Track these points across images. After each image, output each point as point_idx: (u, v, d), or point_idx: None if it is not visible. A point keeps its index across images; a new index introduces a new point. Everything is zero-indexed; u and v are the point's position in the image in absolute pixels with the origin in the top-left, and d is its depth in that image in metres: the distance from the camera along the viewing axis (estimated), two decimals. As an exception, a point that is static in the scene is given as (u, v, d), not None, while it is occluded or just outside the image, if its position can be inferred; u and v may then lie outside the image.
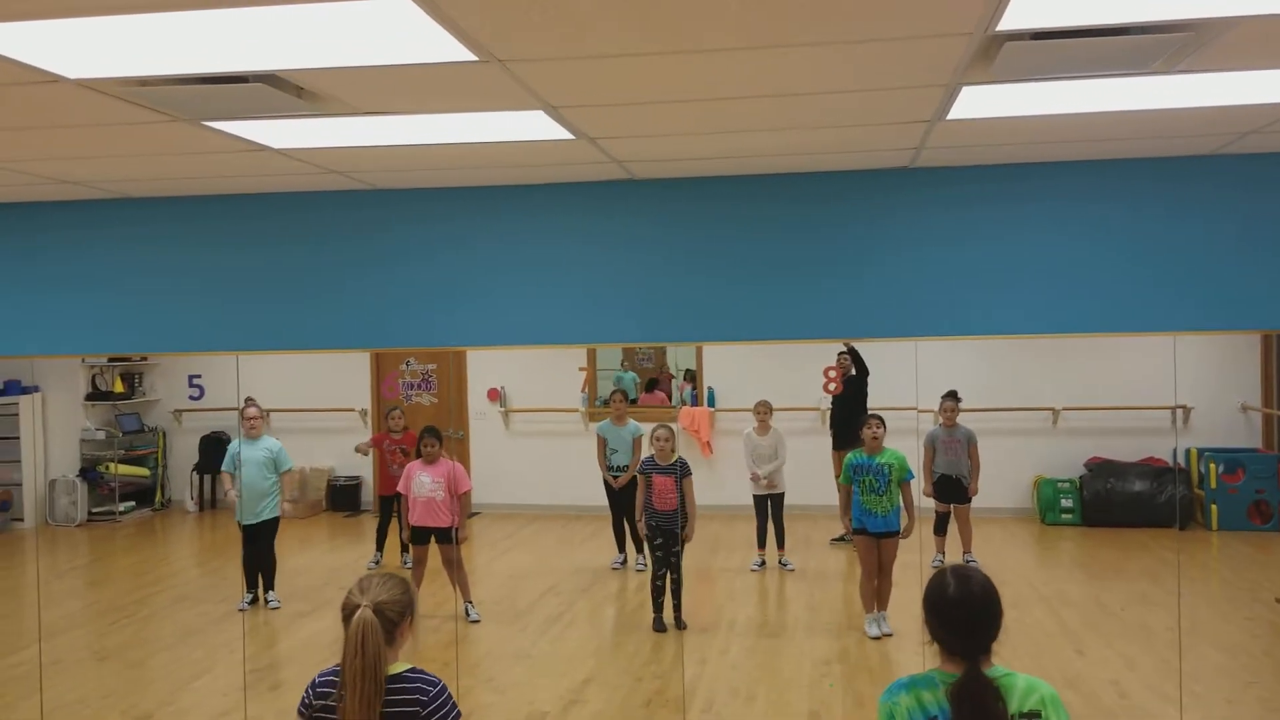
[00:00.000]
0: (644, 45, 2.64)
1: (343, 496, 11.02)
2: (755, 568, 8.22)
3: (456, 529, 6.91)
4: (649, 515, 6.86)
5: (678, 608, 6.80)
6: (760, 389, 10.19)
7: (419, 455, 7.16)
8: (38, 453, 10.61)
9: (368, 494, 11.10)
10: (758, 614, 7.05)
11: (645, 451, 7.53)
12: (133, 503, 11.03)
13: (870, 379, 8.90)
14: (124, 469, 10.93)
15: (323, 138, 3.66)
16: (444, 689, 2.65)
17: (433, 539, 7.00)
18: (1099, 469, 9.82)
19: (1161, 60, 2.80)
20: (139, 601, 7.86)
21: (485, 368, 11.15)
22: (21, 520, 10.33)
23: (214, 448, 11.11)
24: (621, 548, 8.52)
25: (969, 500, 8.03)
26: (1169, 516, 9.31)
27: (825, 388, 10.07)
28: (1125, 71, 2.93)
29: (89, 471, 10.88)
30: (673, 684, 5.79)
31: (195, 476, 11.21)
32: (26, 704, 5.67)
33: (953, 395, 8.06)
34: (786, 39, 2.60)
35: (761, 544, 8.32)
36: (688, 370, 10.99)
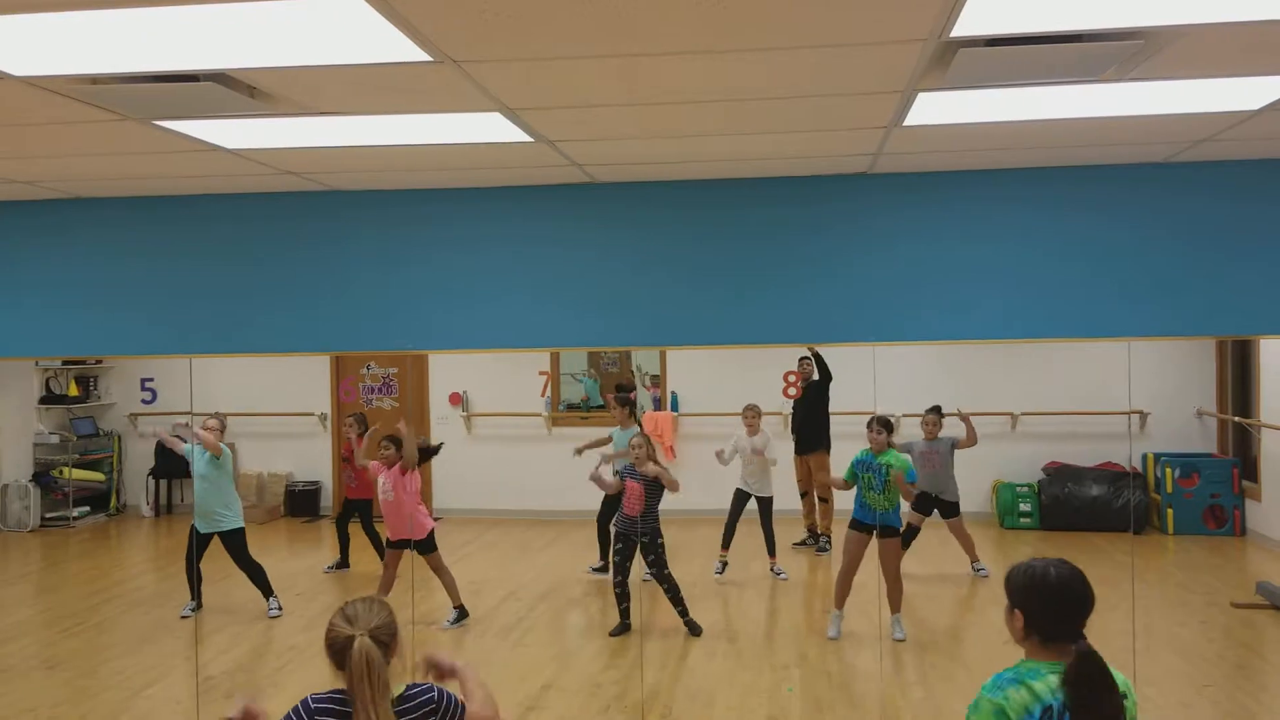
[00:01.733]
0: (600, 48, 2.63)
1: (301, 502, 10.91)
2: (718, 573, 8.18)
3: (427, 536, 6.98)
4: (617, 518, 6.88)
5: (684, 614, 6.80)
6: (723, 393, 10.21)
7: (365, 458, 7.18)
8: (-11, 457, 10.42)
9: (326, 499, 11.01)
10: (719, 619, 7.04)
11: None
12: (87, 508, 10.86)
13: (832, 383, 8.94)
14: (78, 473, 10.75)
15: (277, 138, 3.62)
16: (441, 690, 2.73)
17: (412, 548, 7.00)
18: (1057, 473, 9.91)
19: (1114, 68, 2.82)
20: (92, 608, 7.73)
21: (447, 371, 11.08)
22: (-28, 526, 10.14)
23: (170, 452, 10.95)
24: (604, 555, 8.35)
25: (958, 514, 8.04)
26: (1125, 521, 9.41)
27: (785, 392, 10.10)
28: (1078, 79, 2.96)
29: (42, 476, 10.70)
30: (632, 689, 5.78)
31: (151, 481, 11.06)
32: (-27, 713, 5.56)
33: (936, 410, 8.06)
34: (742, 44, 2.60)
35: (726, 544, 8.24)
36: (652, 376, 10.98)
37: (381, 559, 7.44)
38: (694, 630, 6.76)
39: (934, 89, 3.06)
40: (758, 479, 8.23)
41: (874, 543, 6.59)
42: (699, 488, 8.44)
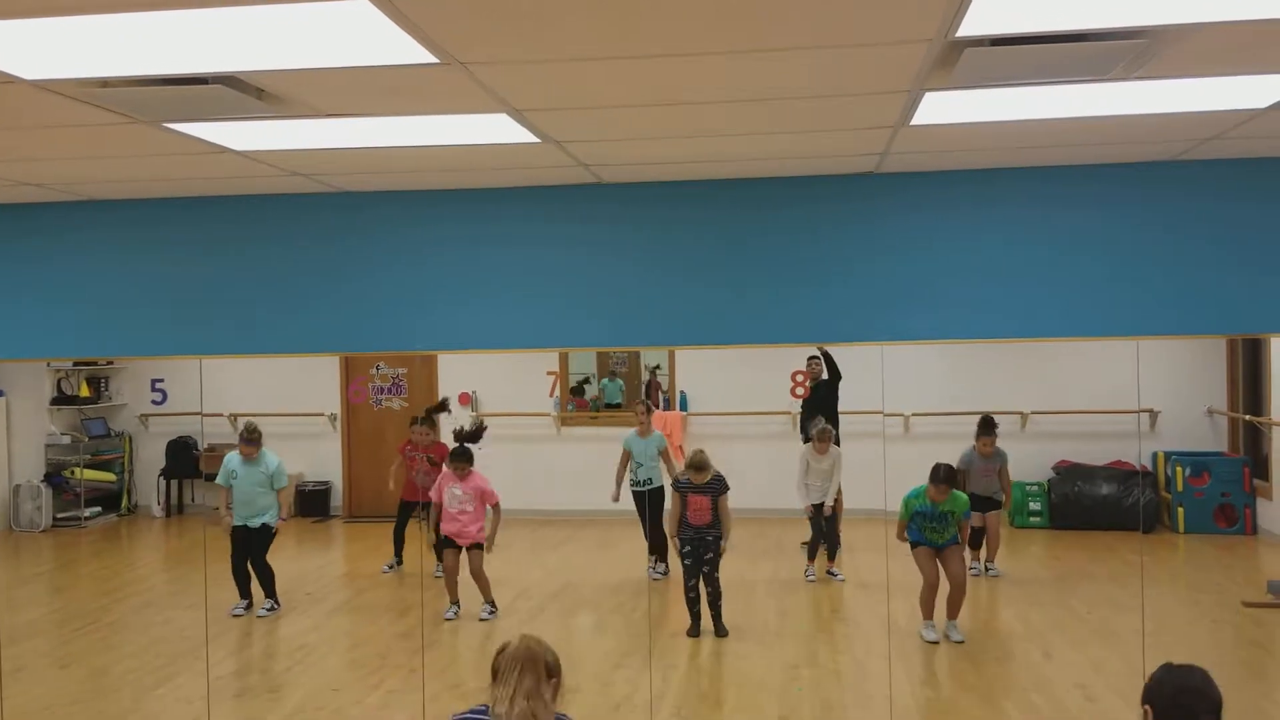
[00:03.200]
0: (606, 49, 2.63)
1: (311, 502, 10.93)
2: (810, 578, 8.13)
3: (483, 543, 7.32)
4: (683, 529, 6.95)
5: (717, 616, 6.87)
6: (732, 393, 10.22)
7: (449, 464, 7.43)
8: (1, 458, 10.48)
9: (337, 499, 11.03)
10: (728, 620, 7.05)
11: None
12: (99, 508, 10.91)
13: (841, 383, 8.94)
14: (90, 474, 10.81)
15: (285, 140, 3.63)
16: None
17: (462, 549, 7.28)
18: (1067, 472, 9.89)
19: (1120, 67, 2.82)
20: (103, 608, 7.77)
21: (456, 372, 11.10)
22: (-15, 526, 10.20)
23: (181, 452, 11.01)
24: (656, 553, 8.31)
25: (999, 504, 7.96)
26: (1136, 520, 9.39)
27: (793, 392, 10.10)
28: (1085, 78, 2.96)
29: (54, 477, 10.76)
30: (641, 688, 5.78)
31: (162, 481, 11.10)
32: (-13, 712, 5.60)
33: (988, 428, 7.83)
34: (750, 44, 2.61)
35: (812, 556, 8.19)
36: (655, 368, 11.01)
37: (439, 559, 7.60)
38: (720, 631, 6.82)
39: (940, 89, 3.06)
40: (822, 492, 8.12)
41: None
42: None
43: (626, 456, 8.28)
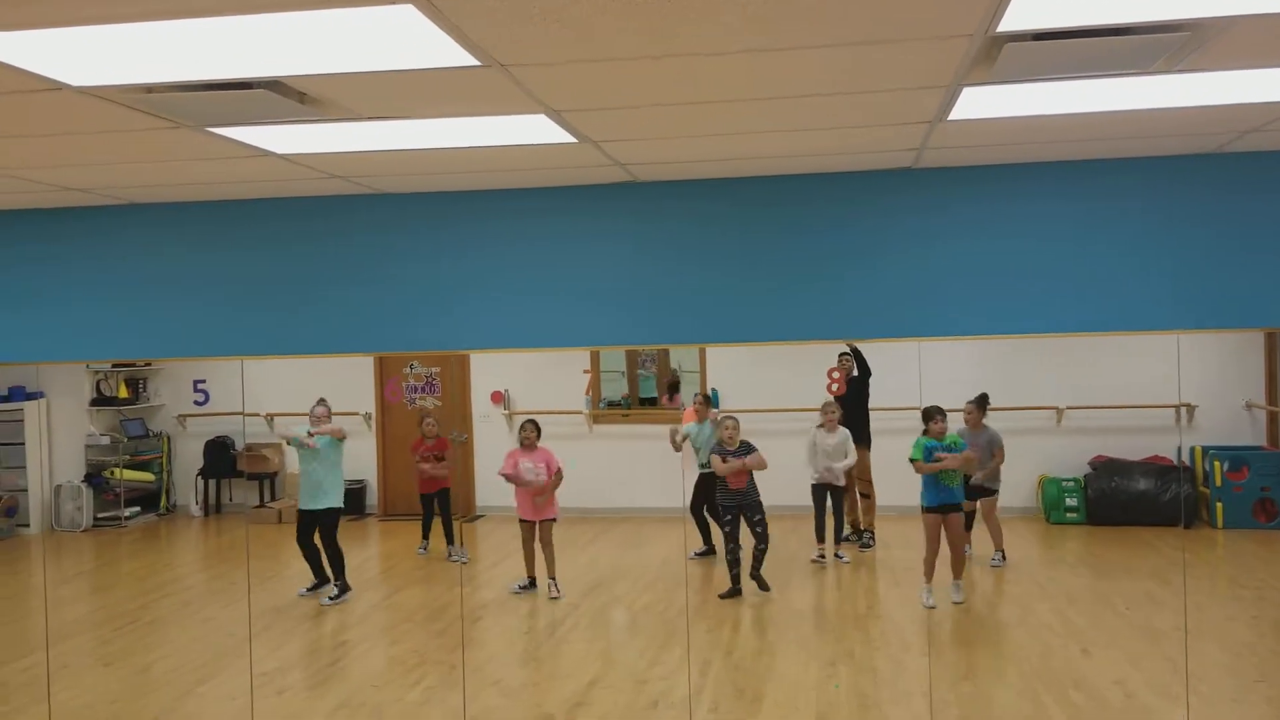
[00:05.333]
0: (646, 49, 2.65)
1: (347, 500, 10.98)
2: (816, 559, 8.36)
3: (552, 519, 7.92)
4: (722, 496, 7.63)
5: (758, 565, 7.49)
6: (763, 390, 10.20)
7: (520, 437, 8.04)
8: (43, 458, 10.63)
9: (372, 497, 11.12)
10: (762, 614, 7.05)
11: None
12: (138, 508, 11.05)
13: (873, 379, 8.92)
14: (129, 474, 10.94)
15: (325, 143, 3.67)
16: None
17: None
18: (1103, 468, 9.81)
19: (1162, 60, 2.80)
20: (144, 607, 7.87)
21: (489, 371, 11.16)
22: (27, 526, 10.36)
23: (218, 452, 11.13)
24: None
25: (995, 492, 8.03)
26: (1174, 515, 9.31)
27: (829, 389, 10.07)
28: (1126, 71, 2.94)
29: (94, 477, 10.90)
30: (678, 685, 5.80)
31: (200, 481, 11.23)
32: (36, 709, 5.69)
33: (979, 401, 8.07)
34: (788, 42, 2.61)
35: (820, 537, 8.36)
36: (676, 367, 11.03)
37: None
38: (762, 586, 7.44)
39: (979, 84, 3.05)
40: (835, 472, 8.37)
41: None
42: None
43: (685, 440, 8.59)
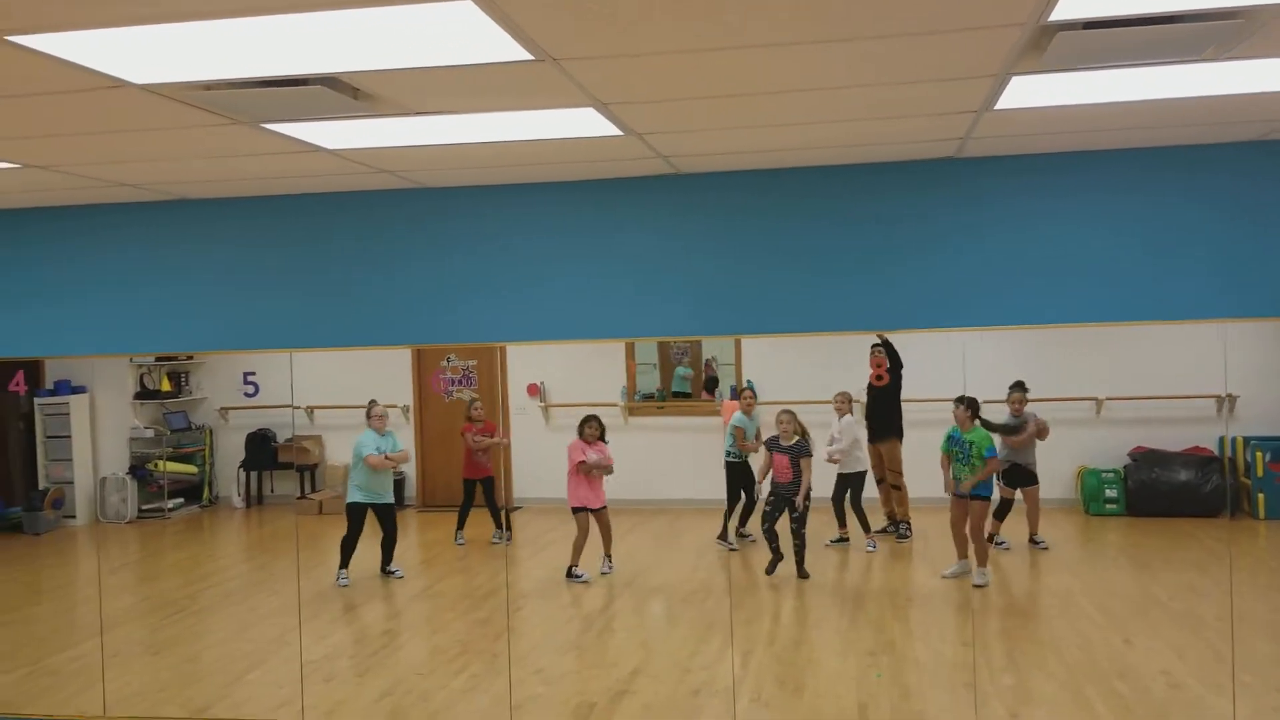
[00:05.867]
0: (695, 41, 2.67)
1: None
2: (830, 543, 8.33)
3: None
4: (771, 485, 7.75)
5: (800, 562, 7.49)
6: (799, 381, 10.18)
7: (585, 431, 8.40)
8: (88, 451, 10.79)
9: (410, 489, 11.19)
10: (803, 604, 7.07)
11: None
12: (181, 499, 11.18)
13: (908, 370, 8.89)
14: (172, 466, 11.08)
15: (375, 138, 3.73)
16: None
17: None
18: (1143, 458, 9.72)
19: (1213, 48, 2.80)
20: (190, 596, 8.00)
21: (525, 363, 11.19)
22: (74, 518, 10.51)
23: (260, 445, 11.24)
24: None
25: (1037, 482, 8.04)
26: (1215, 506, 9.21)
27: (873, 379, 10.05)
28: (1177, 59, 2.94)
29: (138, 469, 11.05)
30: (720, 675, 5.83)
31: (242, 473, 11.35)
32: (89, 694, 5.80)
33: (1019, 386, 8.11)
34: (836, 33, 2.63)
35: (842, 522, 8.38)
36: (710, 358, 11.03)
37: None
38: (802, 574, 7.50)
39: (1028, 72, 3.06)
40: (849, 459, 8.35)
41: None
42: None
43: (741, 432, 8.65)
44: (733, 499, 8.61)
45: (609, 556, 8.09)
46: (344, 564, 7.99)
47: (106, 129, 3.50)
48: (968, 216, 4.45)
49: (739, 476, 8.56)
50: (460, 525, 9.07)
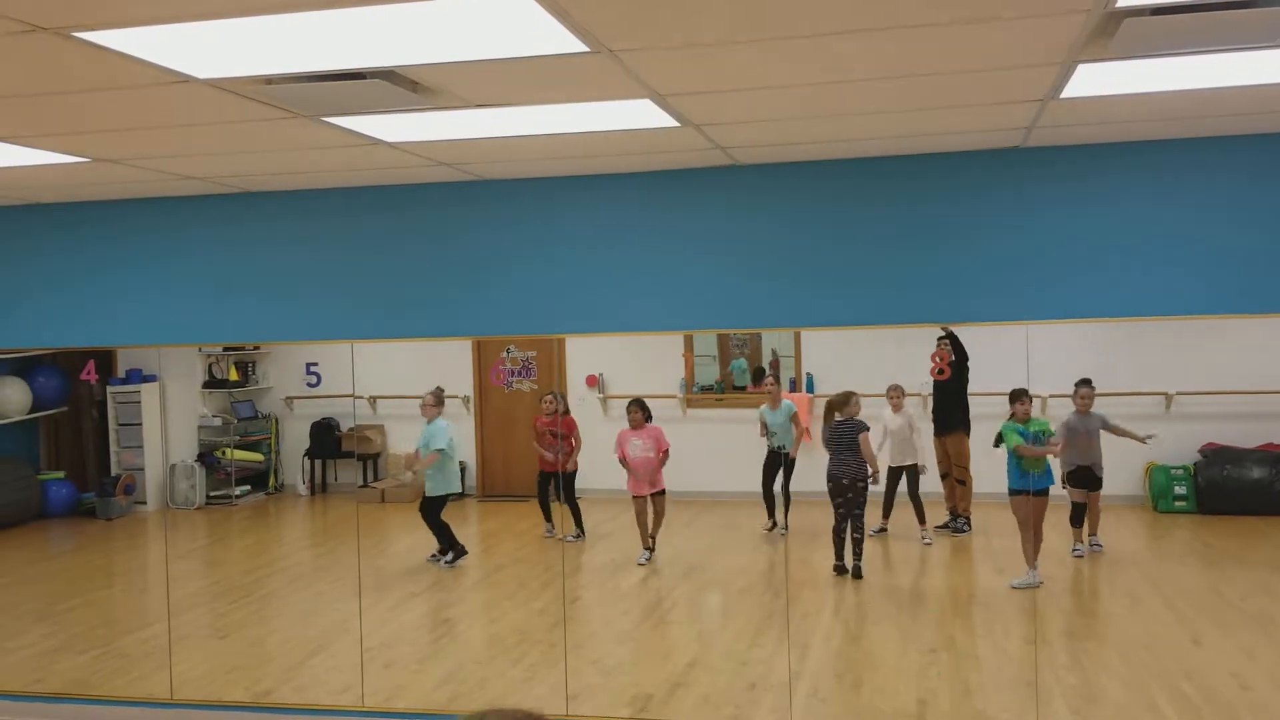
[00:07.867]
0: (754, 31, 2.65)
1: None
2: (873, 533, 8.26)
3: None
4: (833, 481, 7.67)
5: (858, 556, 7.40)
6: (860, 375, 10.09)
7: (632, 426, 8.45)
8: (158, 439, 11.05)
9: (470, 479, 11.29)
10: (862, 600, 7.02)
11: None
12: (248, 486, 11.39)
13: (975, 363, 8.76)
14: (239, 454, 11.29)
15: (433, 131, 3.75)
16: None
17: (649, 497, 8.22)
18: (1214, 455, 9.50)
19: (1289, 32, 2.71)
20: (256, 581, 8.16)
21: (584, 354, 11.23)
22: (144, 504, 10.77)
23: (324, 433, 11.41)
24: (771, 514, 8.62)
25: (1101, 486, 7.90)
26: (1287, 504, 8.98)
27: (933, 372, 9.93)
28: (1247, 45, 2.85)
29: (206, 457, 11.28)
30: (777, 668, 5.81)
31: (306, 461, 11.54)
32: (157, 676, 5.94)
33: (1086, 382, 7.97)
34: (900, 21, 2.59)
35: (886, 514, 8.33)
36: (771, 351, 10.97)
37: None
38: (857, 574, 7.36)
39: (1095, 60, 2.99)
40: (903, 452, 8.26)
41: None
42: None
43: (764, 426, 8.62)
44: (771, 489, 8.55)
45: (652, 539, 8.13)
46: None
47: (172, 123, 3.57)
48: (1035, 207, 4.37)
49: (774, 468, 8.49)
50: (547, 516, 9.14)
